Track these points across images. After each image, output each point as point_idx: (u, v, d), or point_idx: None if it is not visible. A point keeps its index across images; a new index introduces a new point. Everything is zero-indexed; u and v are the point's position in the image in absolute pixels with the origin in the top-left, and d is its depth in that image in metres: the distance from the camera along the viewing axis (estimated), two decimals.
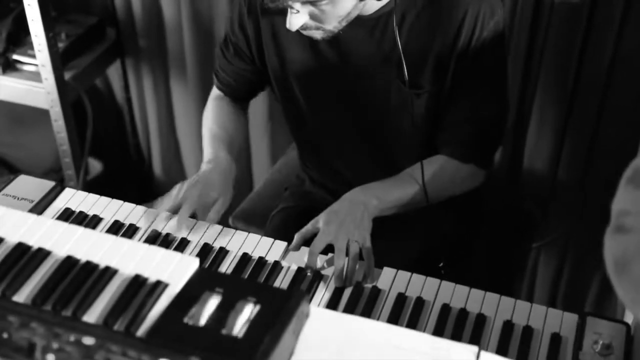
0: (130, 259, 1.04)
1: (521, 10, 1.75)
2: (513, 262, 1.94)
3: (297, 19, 1.30)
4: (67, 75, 2.08)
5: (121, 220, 1.45)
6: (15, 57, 2.09)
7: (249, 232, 1.42)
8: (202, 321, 0.94)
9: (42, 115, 2.16)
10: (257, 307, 0.96)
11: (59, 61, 2.01)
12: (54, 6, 2.28)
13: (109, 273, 1.02)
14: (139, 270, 1.02)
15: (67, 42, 2.09)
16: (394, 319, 1.25)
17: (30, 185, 1.51)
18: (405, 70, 1.35)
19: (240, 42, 1.55)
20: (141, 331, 0.95)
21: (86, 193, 1.50)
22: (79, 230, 1.09)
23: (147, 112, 2.41)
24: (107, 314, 0.97)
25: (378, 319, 1.25)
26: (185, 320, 0.94)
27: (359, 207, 1.38)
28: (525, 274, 2.10)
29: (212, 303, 0.96)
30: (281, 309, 0.96)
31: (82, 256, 1.05)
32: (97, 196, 1.50)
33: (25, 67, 2.09)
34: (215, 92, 1.68)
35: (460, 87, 1.43)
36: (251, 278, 1.32)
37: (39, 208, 1.45)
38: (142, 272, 1.02)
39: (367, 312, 1.26)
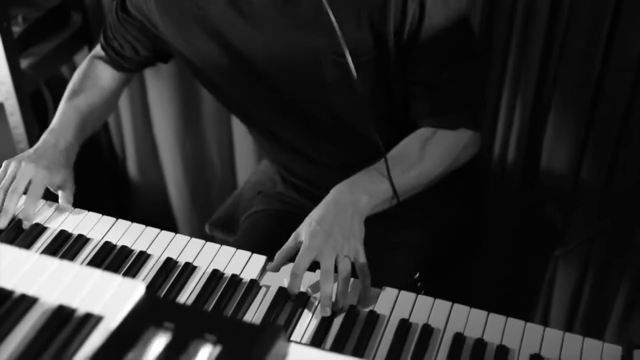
0: (56, 283, 0.81)
1: None
2: (529, 275, 1.72)
3: None
4: (25, 64, 1.84)
5: (69, 230, 1.21)
6: None
7: (221, 245, 1.19)
8: None
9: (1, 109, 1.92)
10: (218, 349, 0.73)
11: (15, 46, 1.78)
12: None
13: (25, 303, 0.79)
14: (65, 299, 0.79)
15: (24, 26, 1.85)
16: (396, 353, 1.01)
17: None
18: (341, 37, 1.12)
19: (140, 11, 1.33)
20: None
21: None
22: None
23: (120, 106, 2.17)
24: (17, 357, 0.74)
25: (376, 353, 1.02)
26: None
27: (347, 210, 1.13)
28: (542, 288, 1.86)
29: (159, 343, 0.74)
30: (249, 350, 0.74)
31: None
32: (42, 201, 1.26)
33: None
34: (98, 50, 1.45)
35: (419, 47, 1.21)
36: (221, 301, 1.09)
37: None
38: (69, 301, 0.79)
39: (363, 344, 1.03)
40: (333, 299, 1.07)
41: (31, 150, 1.26)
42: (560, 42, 1.56)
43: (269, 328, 0.77)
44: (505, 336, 1.04)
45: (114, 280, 0.81)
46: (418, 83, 1.25)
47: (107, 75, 1.42)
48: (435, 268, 1.34)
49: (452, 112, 1.26)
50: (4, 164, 1.24)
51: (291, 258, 1.12)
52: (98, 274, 0.81)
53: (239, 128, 2.04)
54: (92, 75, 1.41)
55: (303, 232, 1.12)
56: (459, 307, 1.08)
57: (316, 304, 1.08)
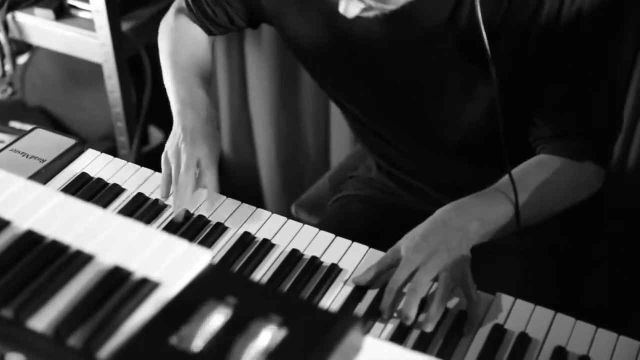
0: (116, 242, 0.73)
1: None
2: None
3: (355, 4, 0.96)
4: (126, 26, 1.81)
5: (146, 193, 1.15)
6: (70, 1, 1.83)
7: (303, 224, 1.10)
8: (196, 345, 0.63)
9: (100, 73, 1.90)
10: (282, 333, 0.64)
11: (116, 8, 1.74)
12: None
13: (79, 260, 0.72)
14: (122, 260, 0.71)
15: None
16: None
17: (47, 142, 1.24)
18: (486, 41, 0.99)
19: None
20: (105, 352, 0.64)
21: (111, 157, 1.21)
22: (57, 196, 0.79)
23: (218, 79, 2.12)
24: (62, 320, 0.66)
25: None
26: (172, 341, 0.63)
27: (455, 233, 0.99)
28: None
29: (217, 319, 0.65)
30: (318, 338, 0.64)
31: (50, 232, 0.74)
32: (123, 162, 1.21)
33: (81, 14, 1.83)
34: (182, 5, 1.32)
35: (557, 67, 1.07)
36: (297, 284, 1.00)
37: (49, 170, 1.18)
38: (127, 263, 0.71)
39: (450, 346, 0.92)
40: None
41: (179, 131, 1.14)
42: None
43: (343, 317, 0.67)
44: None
45: (179, 246, 0.73)
46: (545, 103, 1.11)
47: (201, 37, 1.33)
48: (543, 278, 1.21)
49: (578, 139, 1.10)
50: (162, 158, 1.14)
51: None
52: (163, 237, 0.74)
53: (336, 110, 1.95)
54: (189, 35, 1.32)
55: (403, 246, 0.99)
56: (563, 318, 0.95)
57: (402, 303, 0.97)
